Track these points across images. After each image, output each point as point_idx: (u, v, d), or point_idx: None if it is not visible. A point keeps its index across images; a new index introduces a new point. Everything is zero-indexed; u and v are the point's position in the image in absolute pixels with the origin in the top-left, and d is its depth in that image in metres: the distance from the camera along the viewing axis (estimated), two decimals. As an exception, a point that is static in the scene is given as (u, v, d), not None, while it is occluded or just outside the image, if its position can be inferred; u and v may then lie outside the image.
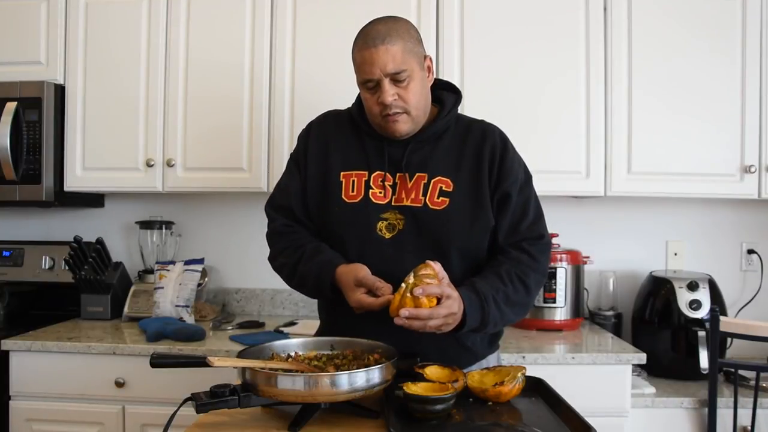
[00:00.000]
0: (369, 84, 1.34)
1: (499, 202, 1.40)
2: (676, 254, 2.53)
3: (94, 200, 2.61)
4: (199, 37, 2.30)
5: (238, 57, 2.28)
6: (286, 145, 2.24)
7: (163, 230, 2.54)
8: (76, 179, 2.34)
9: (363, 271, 1.28)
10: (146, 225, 2.54)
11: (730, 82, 2.20)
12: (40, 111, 2.26)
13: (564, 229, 2.44)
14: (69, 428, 2.00)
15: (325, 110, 1.56)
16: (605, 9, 2.22)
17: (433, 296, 1.18)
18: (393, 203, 1.38)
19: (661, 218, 2.54)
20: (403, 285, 1.20)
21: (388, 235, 1.36)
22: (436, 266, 1.23)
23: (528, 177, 1.48)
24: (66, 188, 2.35)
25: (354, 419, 1.11)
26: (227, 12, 2.29)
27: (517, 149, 1.48)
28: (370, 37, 1.32)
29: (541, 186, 2.16)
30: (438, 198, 1.37)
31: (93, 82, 2.33)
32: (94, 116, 2.33)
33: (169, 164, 2.30)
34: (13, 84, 2.28)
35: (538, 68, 2.22)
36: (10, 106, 2.24)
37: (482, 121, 1.50)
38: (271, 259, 1.48)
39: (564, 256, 2.28)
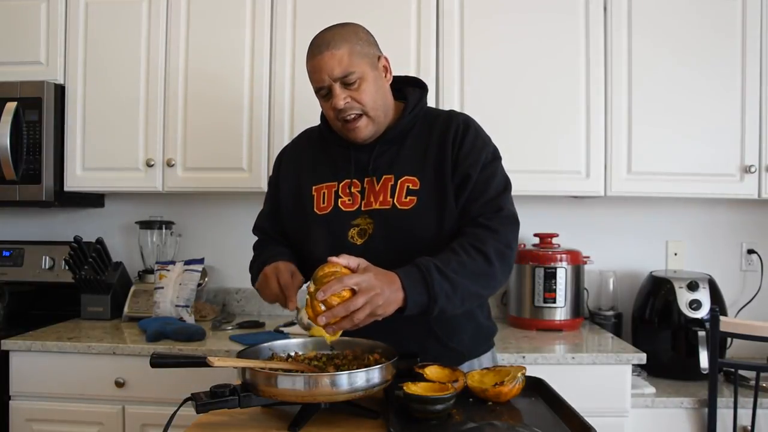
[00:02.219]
0: (322, 92, 1.35)
1: (459, 185, 1.34)
2: (676, 254, 2.53)
3: (94, 200, 2.61)
4: (199, 38, 2.30)
5: (238, 57, 2.28)
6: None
7: (163, 230, 2.54)
8: (76, 179, 2.34)
9: (297, 278, 1.33)
10: (146, 225, 2.53)
11: (730, 83, 2.21)
12: (40, 111, 2.26)
13: (564, 229, 2.45)
14: (69, 428, 2.00)
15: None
16: (605, 9, 2.22)
17: (336, 293, 1.09)
18: (363, 208, 1.37)
19: (661, 218, 2.54)
20: (308, 296, 1.12)
21: (359, 241, 1.36)
22: (342, 260, 1.15)
23: (495, 158, 1.39)
24: (66, 188, 2.35)
25: (354, 419, 1.11)
26: (227, 12, 2.29)
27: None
28: (316, 45, 1.34)
29: (541, 186, 2.21)
30: (406, 197, 1.35)
31: (93, 82, 2.33)
32: (94, 116, 2.33)
33: (169, 164, 2.30)
34: (13, 84, 2.27)
35: (538, 69, 2.21)
36: (10, 106, 2.24)
37: (449, 111, 1.46)
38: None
39: (564, 256, 2.28)
